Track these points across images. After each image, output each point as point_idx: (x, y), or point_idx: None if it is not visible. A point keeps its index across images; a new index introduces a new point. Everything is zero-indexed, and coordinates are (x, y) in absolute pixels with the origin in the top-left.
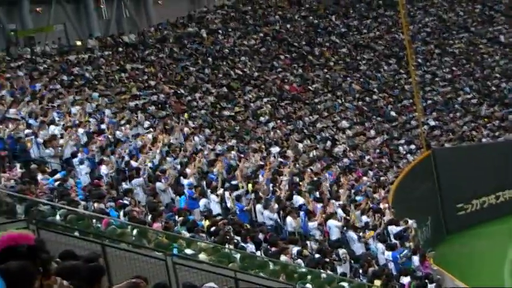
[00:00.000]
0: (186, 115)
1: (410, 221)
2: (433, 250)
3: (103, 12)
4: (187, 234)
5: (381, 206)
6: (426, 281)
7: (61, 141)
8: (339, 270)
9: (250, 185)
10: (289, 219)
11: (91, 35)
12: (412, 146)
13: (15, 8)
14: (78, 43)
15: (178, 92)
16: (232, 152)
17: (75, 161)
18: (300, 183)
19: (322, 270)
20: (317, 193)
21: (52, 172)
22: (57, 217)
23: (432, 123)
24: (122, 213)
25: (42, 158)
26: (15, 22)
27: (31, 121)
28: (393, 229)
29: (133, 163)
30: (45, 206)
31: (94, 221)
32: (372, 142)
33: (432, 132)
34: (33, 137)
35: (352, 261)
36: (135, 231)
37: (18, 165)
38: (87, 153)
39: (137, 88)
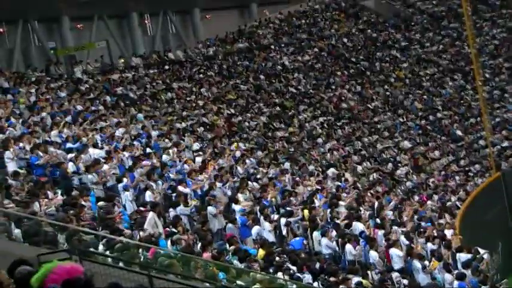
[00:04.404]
0: (235, 145)
1: (482, 251)
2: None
3: (148, 28)
4: (239, 264)
5: (447, 232)
6: None
7: (105, 167)
8: None
9: (306, 211)
10: (348, 247)
11: (135, 53)
12: (481, 168)
13: (55, 24)
14: (122, 61)
15: (228, 112)
16: (287, 176)
17: (120, 187)
18: (360, 208)
19: None
20: (378, 219)
21: (95, 199)
22: (101, 247)
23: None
24: (169, 242)
25: (84, 184)
26: (55, 40)
27: (72, 145)
28: (461, 257)
29: (181, 188)
30: (88, 235)
31: (140, 250)
32: (437, 164)
33: (502, 153)
34: (72, 163)
35: None
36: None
37: (59, 191)
38: (132, 179)
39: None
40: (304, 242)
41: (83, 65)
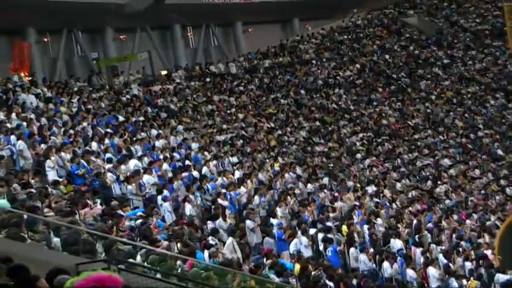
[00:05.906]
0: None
1: None
2: None
3: (190, 41)
4: (276, 279)
5: (486, 252)
6: None
7: (144, 178)
8: None
9: (344, 227)
10: (385, 264)
11: (176, 66)
12: None
13: (99, 35)
14: (164, 73)
15: (268, 126)
16: (325, 191)
17: (159, 198)
18: (398, 225)
19: None
20: (416, 237)
21: (134, 209)
22: (138, 257)
23: None
24: (206, 254)
25: (124, 195)
26: (97, 50)
27: (112, 155)
28: (500, 277)
29: (220, 201)
30: (126, 245)
31: (178, 262)
32: (477, 183)
33: None
34: (112, 174)
35: None
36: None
37: (98, 201)
38: (172, 191)
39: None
40: (337, 249)
41: (125, 76)
